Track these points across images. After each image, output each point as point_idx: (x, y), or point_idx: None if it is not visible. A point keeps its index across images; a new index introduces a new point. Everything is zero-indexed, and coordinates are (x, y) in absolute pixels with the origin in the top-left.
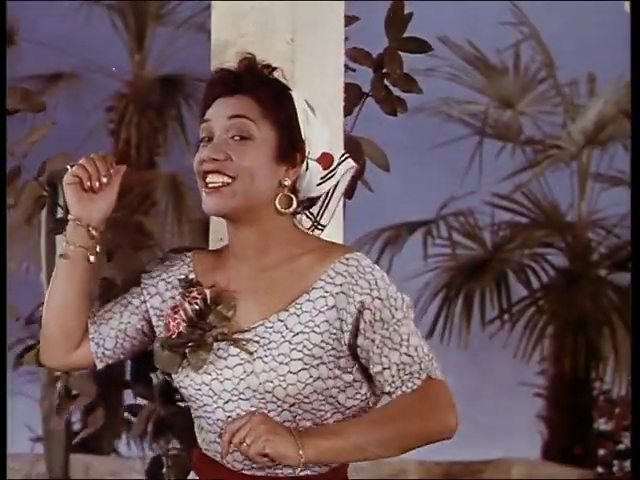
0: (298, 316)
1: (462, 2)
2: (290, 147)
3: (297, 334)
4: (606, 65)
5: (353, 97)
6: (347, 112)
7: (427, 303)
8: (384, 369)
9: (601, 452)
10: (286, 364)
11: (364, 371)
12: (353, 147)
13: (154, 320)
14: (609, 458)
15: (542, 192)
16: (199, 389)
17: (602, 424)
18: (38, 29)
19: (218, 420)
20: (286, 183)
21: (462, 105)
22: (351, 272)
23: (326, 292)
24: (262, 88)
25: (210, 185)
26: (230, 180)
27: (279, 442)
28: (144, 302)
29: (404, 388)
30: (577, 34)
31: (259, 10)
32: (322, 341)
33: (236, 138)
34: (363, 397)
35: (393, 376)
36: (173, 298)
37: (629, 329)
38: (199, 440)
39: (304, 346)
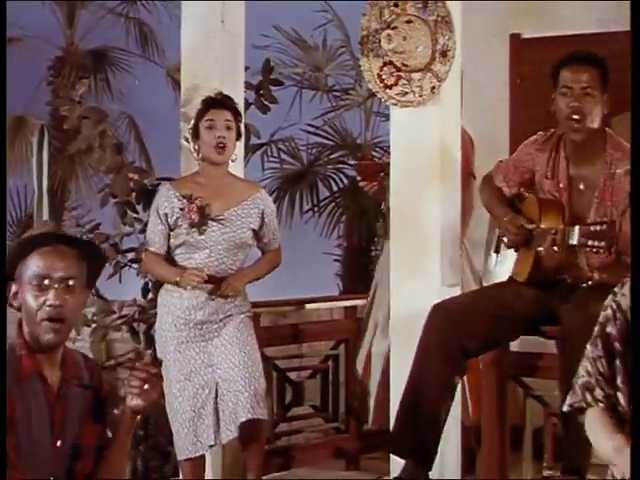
0: (243, 210)
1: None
2: (239, 131)
3: (244, 217)
4: None
5: (244, 105)
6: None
7: None
8: (269, 239)
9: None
10: (242, 229)
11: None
12: (247, 128)
13: (170, 219)
14: None
15: (341, 125)
16: (197, 242)
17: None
18: None
19: (205, 253)
20: (237, 146)
21: (288, 68)
22: (264, 198)
23: (254, 204)
24: (234, 106)
25: (221, 148)
26: (225, 147)
27: (244, 283)
28: (164, 216)
29: (273, 247)
30: None
31: (205, 71)
32: (253, 222)
33: (228, 130)
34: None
35: (270, 242)
36: (175, 207)
37: None
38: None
39: (248, 223)
